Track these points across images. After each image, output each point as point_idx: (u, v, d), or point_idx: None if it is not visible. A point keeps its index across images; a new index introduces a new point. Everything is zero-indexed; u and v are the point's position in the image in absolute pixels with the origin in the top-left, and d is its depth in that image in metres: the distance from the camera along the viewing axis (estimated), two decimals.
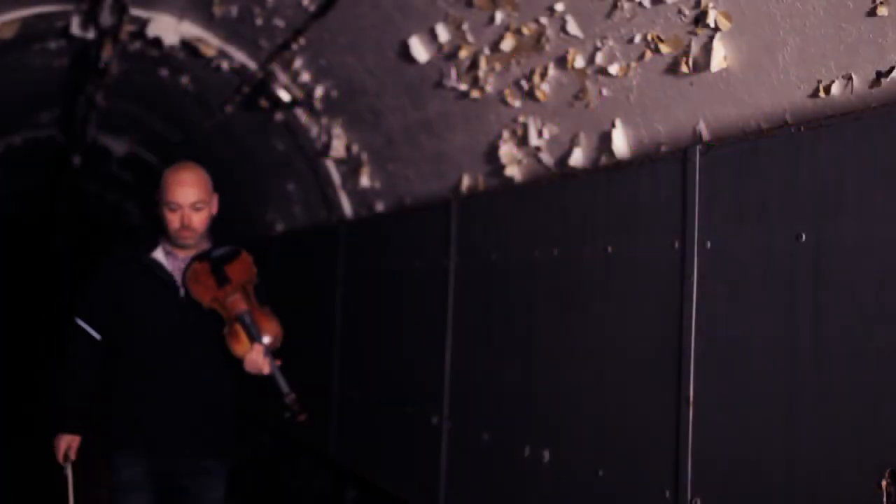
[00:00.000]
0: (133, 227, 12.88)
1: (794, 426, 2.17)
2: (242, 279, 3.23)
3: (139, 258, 3.27)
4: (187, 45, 5.23)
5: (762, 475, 2.25)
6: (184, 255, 3.28)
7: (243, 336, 3.13)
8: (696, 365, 2.47)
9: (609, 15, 2.83)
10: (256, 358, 3.12)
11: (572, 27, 2.99)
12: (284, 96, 5.10)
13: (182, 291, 3.23)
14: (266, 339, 3.15)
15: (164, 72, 5.94)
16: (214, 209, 3.32)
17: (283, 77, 5.06)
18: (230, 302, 3.15)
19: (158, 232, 3.33)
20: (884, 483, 1.93)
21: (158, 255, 3.28)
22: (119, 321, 3.26)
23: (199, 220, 3.22)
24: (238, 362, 3.21)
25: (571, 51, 3.07)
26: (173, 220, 3.21)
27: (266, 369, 3.12)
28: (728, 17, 2.45)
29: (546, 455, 3.10)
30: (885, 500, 1.93)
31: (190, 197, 3.19)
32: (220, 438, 3.34)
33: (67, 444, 3.23)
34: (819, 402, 2.11)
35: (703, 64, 2.57)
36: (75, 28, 4.93)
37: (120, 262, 3.33)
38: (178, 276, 3.25)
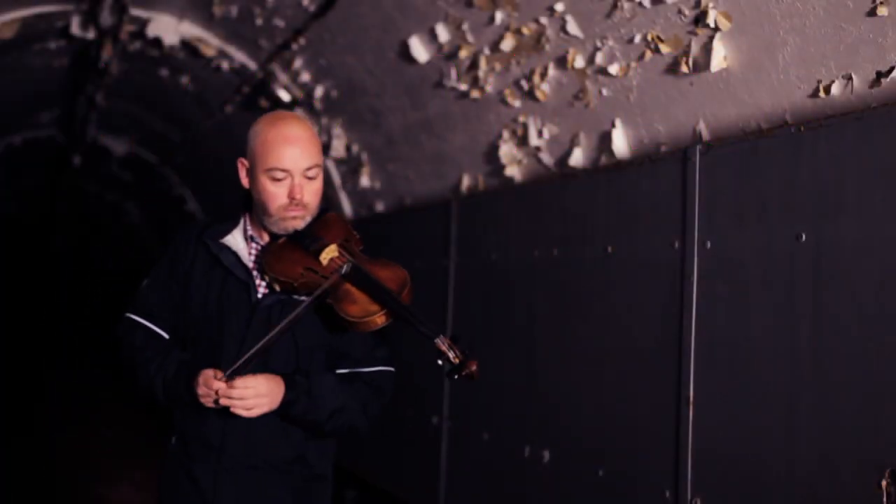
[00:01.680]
0: (133, 227, 12.89)
1: (794, 426, 2.17)
2: (340, 236, 2.32)
3: (212, 240, 2.32)
4: (187, 45, 5.23)
5: (762, 475, 2.25)
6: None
7: (357, 293, 2.20)
8: (696, 365, 2.47)
9: (609, 15, 2.83)
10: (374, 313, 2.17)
11: (572, 27, 2.99)
12: (284, 96, 5.10)
13: (260, 292, 2.27)
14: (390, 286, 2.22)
15: (164, 72, 5.94)
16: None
17: (283, 77, 5.06)
18: (329, 263, 2.24)
19: (242, 208, 2.38)
20: (884, 483, 1.93)
21: (235, 239, 2.32)
22: (185, 327, 2.34)
23: (313, 192, 2.26)
24: None
25: (571, 51, 3.07)
26: (276, 196, 2.22)
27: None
28: (728, 17, 2.45)
29: (546, 455, 3.10)
30: (885, 500, 1.93)
31: (302, 161, 2.21)
32: None
33: (208, 378, 2.13)
34: (819, 402, 2.11)
35: (703, 64, 2.57)
36: (75, 28, 4.93)
37: (193, 241, 2.37)
38: (258, 272, 2.30)
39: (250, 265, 2.29)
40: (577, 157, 3.25)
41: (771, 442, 2.23)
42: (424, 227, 4.19)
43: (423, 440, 4.00)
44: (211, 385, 2.10)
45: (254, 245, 2.32)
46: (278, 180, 2.21)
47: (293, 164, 2.21)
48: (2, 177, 10.05)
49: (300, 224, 2.25)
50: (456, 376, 2.10)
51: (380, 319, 2.17)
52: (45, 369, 12.59)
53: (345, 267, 2.21)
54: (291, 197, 2.22)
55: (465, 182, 4.06)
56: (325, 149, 5.22)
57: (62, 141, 8.40)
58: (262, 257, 2.28)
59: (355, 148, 5.03)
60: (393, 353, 2.38)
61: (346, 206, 5.51)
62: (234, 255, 2.29)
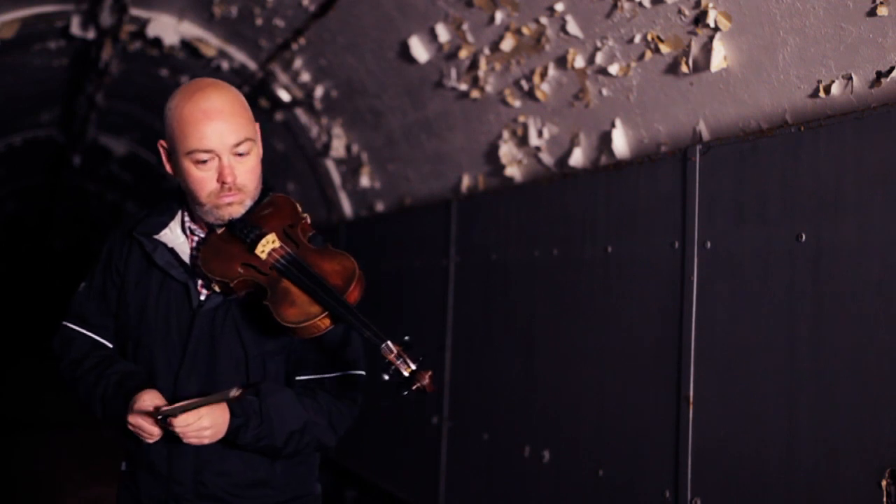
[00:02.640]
0: None
1: (794, 426, 2.17)
2: (283, 222, 1.97)
3: (145, 236, 2.00)
4: (187, 45, 5.23)
5: (762, 475, 2.25)
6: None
7: (296, 292, 1.84)
8: (696, 365, 2.47)
9: (609, 15, 2.83)
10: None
11: (572, 27, 2.99)
12: (284, 96, 5.10)
13: (203, 294, 1.97)
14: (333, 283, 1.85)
15: (164, 72, 5.94)
16: (261, 148, 1.98)
17: (283, 77, 5.06)
18: (268, 257, 1.89)
19: (173, 198, 2.07)
20: (884, 483, 1.93)
21: (173, 233, 2.01)
22: (121, 336, 2.06)
23: (247, 171, 1.91)
24: None
25: (571, 51, 3.07)
26: (204, 181, 1.89)
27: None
28: (728, 17, 2.45)
29: (546, 455, 3.10)
30: (885, 500, 1.93)
31: (228, 136, 1.87)
32: None
33: (145, 404, 1.86)
34: (819, 402, 2.11)
35: (703, 64, 2.57)
36: (75, 28, 4.93)
37: (127, 238, 2.06)
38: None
39: (190, 262, 1.97)
40: (577, 157, 3.24)
41: (771, 442, 2.23)
42: (424, 227, 4.19)
43: (423, 440, 4.00)
44: (143, 428, 1.84)
45: (195, 238, 2.01)
46: (203, 163, 1.87)
47: (218, 143, 1.86)
48: (2, 176, 10.04)
49: (238, 210, 1.92)
50: (405, 392, 1.76)
51: (322, 324, 1.82)
52: (44, 369, 12.57)
53: (280, 261, 1.87)
54: (222, 181, 1.88)
55: (465, 182, 4.06)
56: (325, 149, 5.21)
57: (62, 141, 8.40)
58: (199, 253, 1.95)
59: (355, 148, 5.03)
60: (362, 352, 2.02)
61: (346, 206, 5.51)
62: (171, 251, 1.97)
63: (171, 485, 1.94)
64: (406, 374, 1.74)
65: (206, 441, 1.83)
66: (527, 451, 3.21)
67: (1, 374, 11.04)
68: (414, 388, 1.74)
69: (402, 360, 1.75)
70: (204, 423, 1.80)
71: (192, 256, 1.98)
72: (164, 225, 2.01)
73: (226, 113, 1.87)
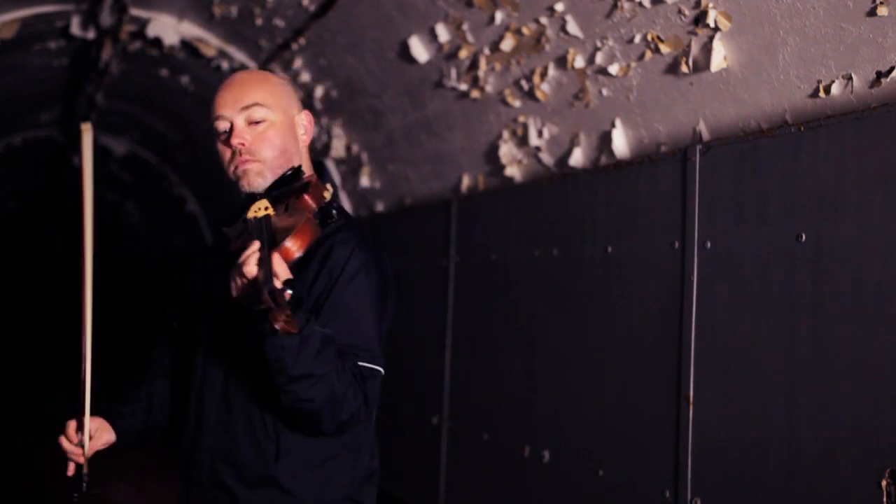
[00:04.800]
0: (133, 227, 12.89)
1: (794, 426, 2.17)
2: (296, 194, 1.85)
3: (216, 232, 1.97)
4: (187, 45, 5.23)
5: (762, 475, 2.25)
6: None
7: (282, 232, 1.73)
8: (696, 365, 2.47)
9: (609, 15, 2.83)
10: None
11: (572, 27, 2.99)
12: None
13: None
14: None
15: (164, 72, 5.94)
16: (304, 129, 1.98)
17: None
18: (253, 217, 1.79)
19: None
20: (884, 483, 1.93)
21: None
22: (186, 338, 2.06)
23: (260, 137, 1.88)
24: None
25: (571, 51, 3.07)
26: (223, 152, 1.91)
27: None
28: (728, 17, 2.45)
29: (546, 455, 3.10)
30: (885, 500, 1.93)
31: (240, 100, 1.88)
32: None
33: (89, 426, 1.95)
34: (819, 402, 2.11)
35: (703, 64, 2.57)
36: (75, 28, 4.93)
37: (213, 234, 2.00)
38: None
39: None
40: (577, 157, 3.25)
41: (771, 442, 2.23)
42: (424, 227, 4.19)
43: (423, 440, 4.00)
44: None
45: None
46: (221, 134, 1.89)
47: (231, 107, 1.86)
48: (2, 176, 10.05)
49: (257, 181, 1.86)
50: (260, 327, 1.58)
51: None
52: (44, 368, 12.58)
53: (251, 220, 1.74)
54: (231, 145, 1.86)
55: (465, 182, 4.06)
56: (325, 149, 5.22)
57: (62, 141, 8.40)
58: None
59: (355, 148, 5.03)
60: (380, 351, 1.89)
61: (347, 207, 5.51)
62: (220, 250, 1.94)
63: (192, 470, 1.94)
64: (276, 325, 1.54)
65: (248, 276, 1.60)
66: (527, 451, 3.21)
67: (1, 374, 11.05)
68: (268, 327, 1.56)
69: (276, 308, 1.54)
70: (254, 262, 1.60)
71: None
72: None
73: (242, 81, 1.92)
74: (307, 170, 1.97)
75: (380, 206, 5.05)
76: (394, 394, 4.35)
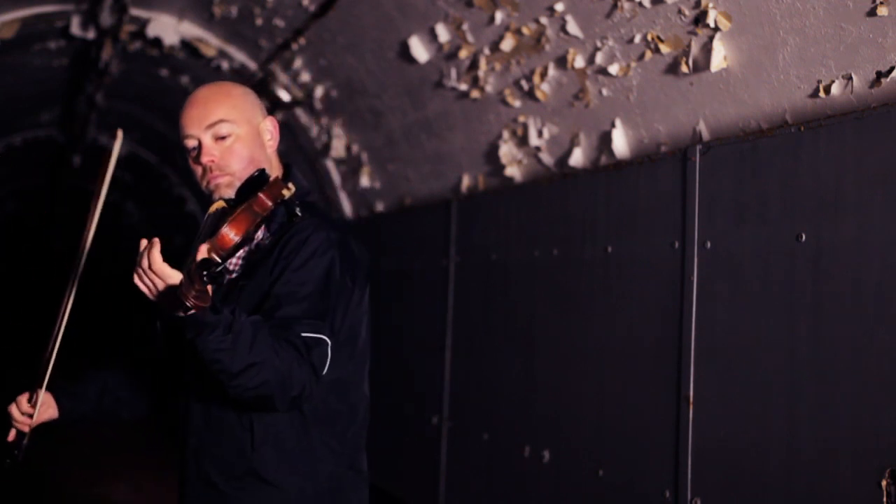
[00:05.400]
0: (133, 227, 12.89)
1: (794, 426, 2.17)
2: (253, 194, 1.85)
3: None
4: (187, 45, 5.23)
5: (762, 475, 2.25)
6: None
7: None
8: (696, 365, 2.47)
9: (609, 15, 2.83)
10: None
11: (572, 27, 2.99)
12: (284, 96, 5.10)
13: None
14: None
15: (164, 72, 5.94)
16: (270, 135, 2.06)
17: (283, 77, 5.06)
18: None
19: None
20: (884, 483, 1.93)
21: None
22: None
23: (227, 151, 1.96)
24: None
25: (571, 51, 3.07)
26: (195, 169, 2.02)
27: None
28: (728, 17, 2.45)
29: (546, 455, 3.10)
30: (885, 500, 1.93)
31: (205, 118, 1.95)
32: None
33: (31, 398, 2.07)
34: (819, 402, 2.11)
35: (703, 64, 2.57)
36: (75, 28, 4.93)
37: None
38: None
39: None
40: (577, 157, 3.25)
41: (771, 442, 2.23)
42: (424, 227, 4.19)
43: (423, 440, 4.00)
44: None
45: None
46: (191, 151, 1.99)
47: (197, 126, 1.95)
48: (2, 176, 10.05)
49: (227, 191, 1.96)
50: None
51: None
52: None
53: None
54: (201, 164, 1.96)
55: (465, 182, 4.06)
56: (325, 149, 5.22)
57: (62, 141, 8.40)
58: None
59: (355, 148, 5.03)
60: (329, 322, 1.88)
61: (347, 206, 5.50)
62: None
63: (185, 470, 2.02)
64: (187, 302, 1.56)
65: (144, 288, 1.67)
66: (527, 451, 3.21)
67: (1, 374, 11.05)
68: (182, 312, 1.62)
69: (186, 283, 1.58)
70: (155, 273, 1.65)
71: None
72: None
73: (204, 99, 1.99)
74: (274, 172, 2.05)
75: (380, 206, 5.05)
76: (394, 394, 4.35)
